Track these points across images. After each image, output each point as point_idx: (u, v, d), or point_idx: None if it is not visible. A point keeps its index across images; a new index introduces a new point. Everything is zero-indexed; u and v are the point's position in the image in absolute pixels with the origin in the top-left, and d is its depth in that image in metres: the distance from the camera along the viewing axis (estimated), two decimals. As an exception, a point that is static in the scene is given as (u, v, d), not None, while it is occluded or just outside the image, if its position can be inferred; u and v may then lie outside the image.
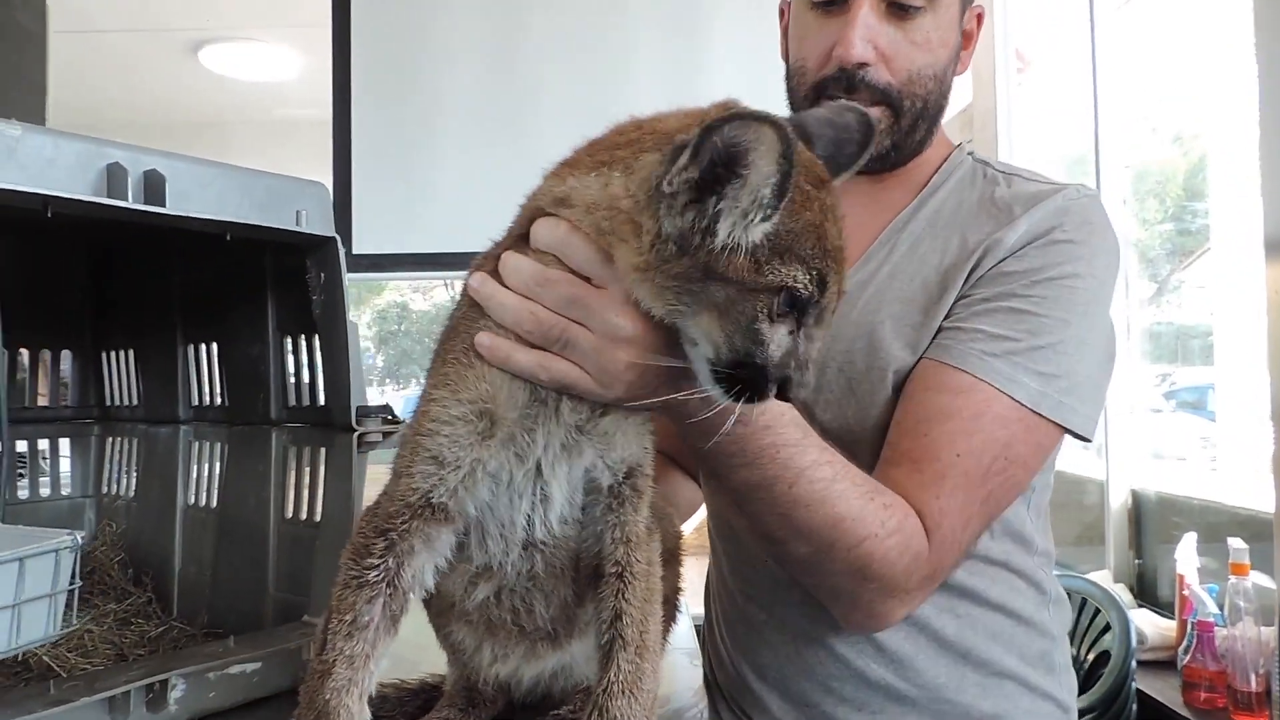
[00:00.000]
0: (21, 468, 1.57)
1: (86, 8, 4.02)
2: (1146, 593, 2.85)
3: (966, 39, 1.20)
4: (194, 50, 4.79)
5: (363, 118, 3.00)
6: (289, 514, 1.30)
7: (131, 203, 0.96)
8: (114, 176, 0.98)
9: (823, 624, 1.12)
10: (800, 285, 0.69)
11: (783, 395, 0.72)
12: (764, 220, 0.67)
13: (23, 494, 1.56)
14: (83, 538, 1.51)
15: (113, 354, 1.61)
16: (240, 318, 1.36)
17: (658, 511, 0.96)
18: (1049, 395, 1.01)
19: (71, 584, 0.75)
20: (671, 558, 0.99)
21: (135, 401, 1.58)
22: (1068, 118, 3.47)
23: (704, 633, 1.37)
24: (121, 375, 1.60)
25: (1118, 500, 2.96)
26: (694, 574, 1.13)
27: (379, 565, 0.76)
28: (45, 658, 1.13)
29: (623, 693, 0.78)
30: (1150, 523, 2.89)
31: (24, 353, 1.57)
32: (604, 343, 0.73)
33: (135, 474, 1.56)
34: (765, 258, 0.68)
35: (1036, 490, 1.17)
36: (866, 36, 1.09)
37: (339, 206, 2.70)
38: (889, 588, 0.97)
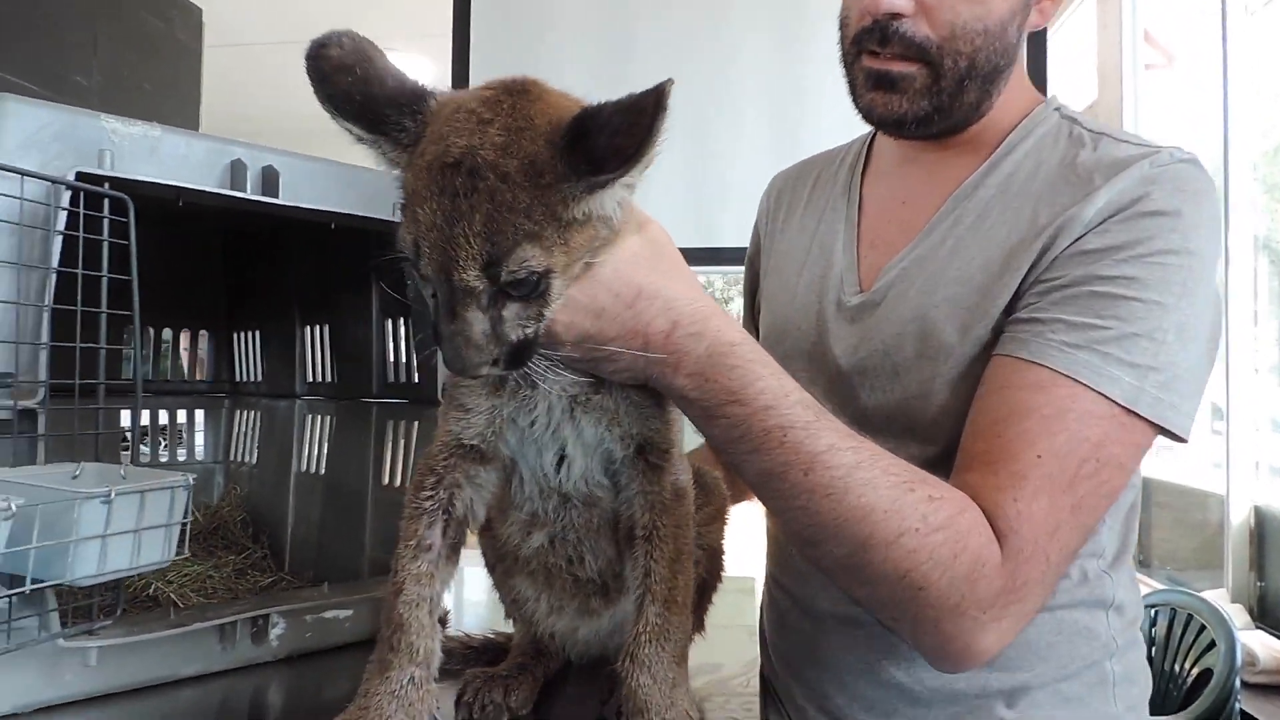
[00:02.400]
0: (163, 435, 1.76)
1: (238, 23, 4.36)
2: (1268, 615, 2.70)
3: None
4: (332, 61, 5.11)
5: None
6: (385, 480, 1.43)
7: (250, 194, 1.09)
8: (236, 171, 1.11)
9: (841, 616, 1.08)
10: (404, 248, 0.72)
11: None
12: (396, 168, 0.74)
13: (163, 458, 1.75)
14: (212, 500, 1.69)
15: (242, 335, 1.79)
16: (348, 302, 1.50)
17: (704, 475, 1.03)
18: (1146, 390, 0.90)
19: (184, 519, 0.87)
20: (718, 515, 1.06)
21: (259, 378, 1.75)
22: (1202, 116, 3.32)
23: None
24: (248, 354, 1.77)
25: (1238, 517, 2.82)
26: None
27: (432, 495, 0.87)
28: (171, 594, 1.29)
29: (650, 641, 0.85)
30: (1275, 541, 2.74)
31: (168, 332, 1.77)
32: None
33: (257, 443, 1.72)
34: (402, 212, 0.73)
35: None
36: None
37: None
38: (950, 602, 0.84)
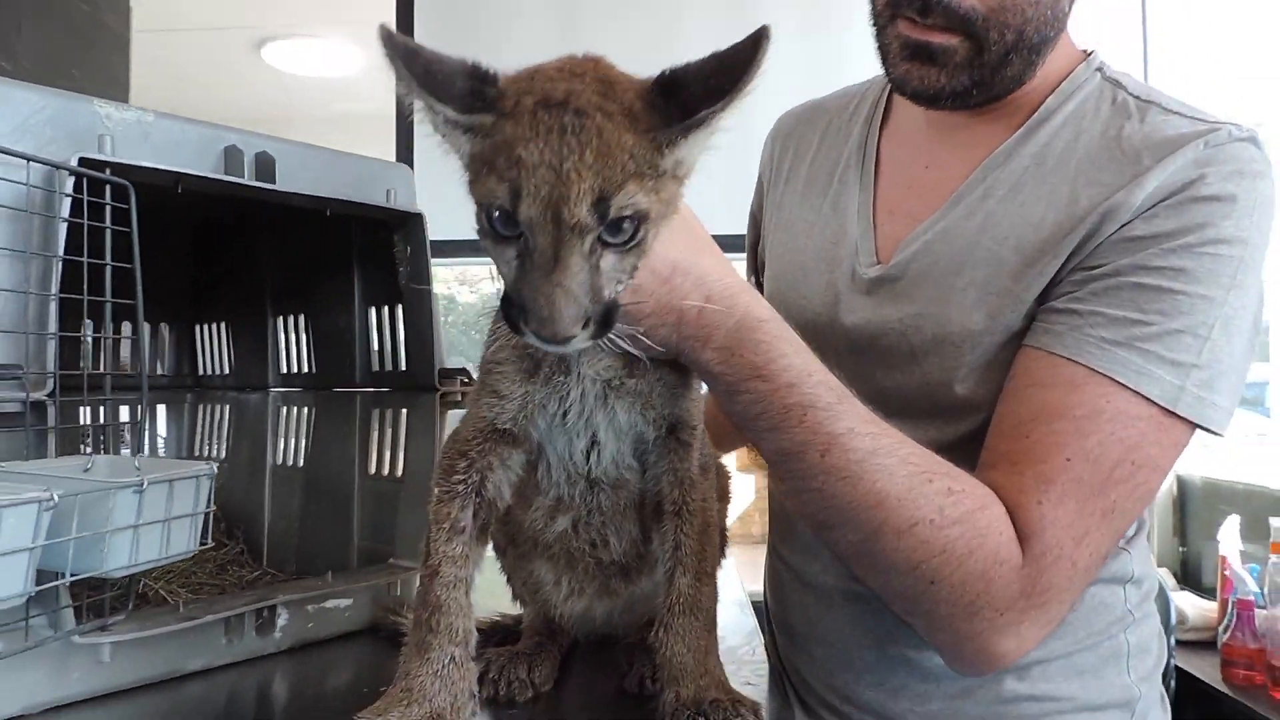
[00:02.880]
0: (124, 431, 1.71)
1: (167, 9, 4.20)
2: (1190, 578, 2.87)
3: None
4: (257, 48, 4.97)
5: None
6: (372, 470, 1.42)
7: (248, 180, 1.08)
8: (231, 157, 1.09)
9: (846, 591, 1.06)
10: (492, 195, 0.67)
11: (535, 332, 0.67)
12: (464, 135, 0.68)
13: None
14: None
15: (207, 327, 1.74)
16: (328, 291, 1.48)
17: (708, 457, 1.06)
18: (1187, 390, 0.85)
19: (208, 508, 0.86)
20: (721, 495, 1.09)
21: (226, 371, 1.71)
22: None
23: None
24: (214, 347, 1.73)
25: (1163, 486, 2.98)
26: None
27: (464, 479, 0.87)
28: (161, 591, 1.26)
29: (684, 611, 0.87)
30: (1195, 508, 2.91)
31: (126, 326, 1.71)
32: None
33: (227, 438, 1.69)
34: (474, 173, 0.70)
35: None
36: None
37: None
38: (965, 599, 0.83)
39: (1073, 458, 0.84)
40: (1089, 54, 1.04)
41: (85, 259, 0.91)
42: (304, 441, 1.54)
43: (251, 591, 1.13)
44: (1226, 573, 2.27)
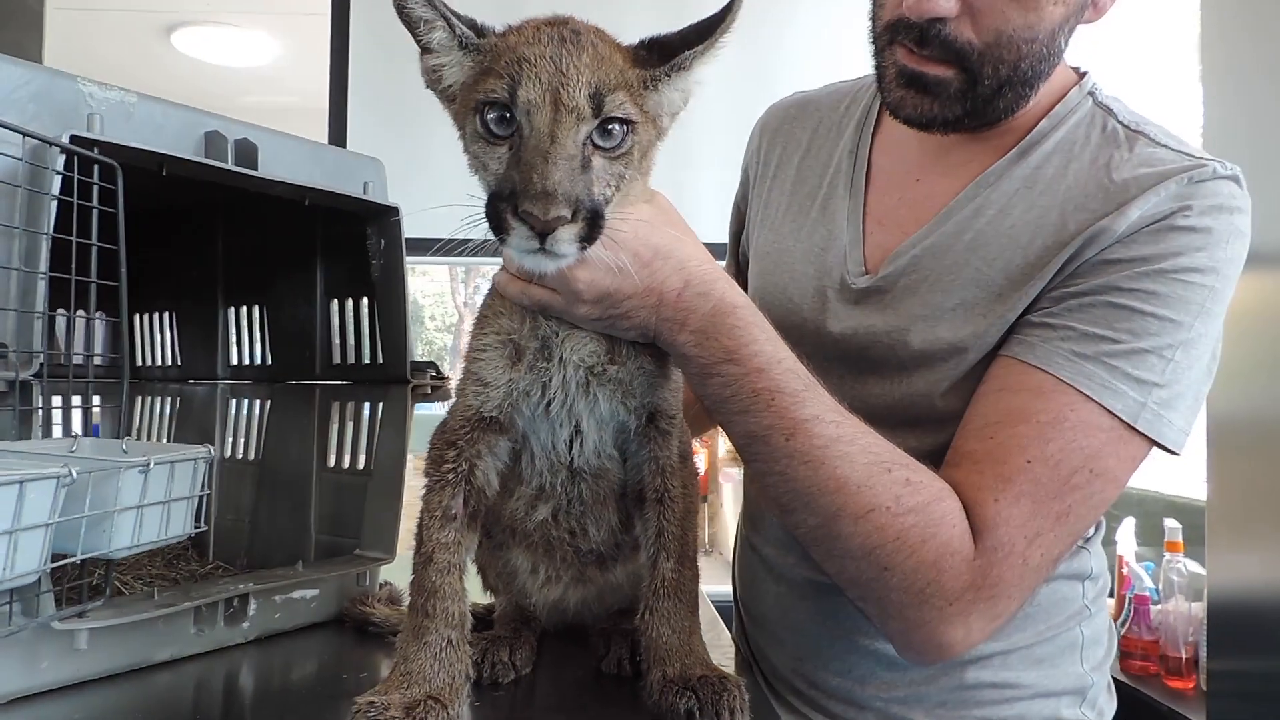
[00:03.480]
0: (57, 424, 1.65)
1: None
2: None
3: None
4: (167, 33, 4.80)
5: (358, 106, 3.09)
6: (331, 463, 1.41)
7: (231, 165, 1.07)
8: (212, 142, 1.09)
9: (815, 583, 1.09)
10: (489, 92, 0.75)
11: (523, 218, 0.72)
12: (468, 55, 0.80)
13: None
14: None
15: (148, 317, 1.70)
16: (287, 282, 1.47)
17: (687, 445, 1.10)
18: (1148, 407, 0.88)
19: (205, 490, 0.86)
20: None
21: (170, 362, 1.67)
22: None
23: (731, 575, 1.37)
24: (156, 337, 1.69)
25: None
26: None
27: (454, 467, 0.90)
28: (116, 582, 1.23)
29: (668, 595, 0.91)
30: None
31: (61, 314, 1.65)
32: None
33: (170, 430, 1.64)
34: (471, 83, 0.80)
35: None
36: None
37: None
38: (915, 586, 0.85)
39: (1033, 460, 0.87)
40: (1083, 75, 1.06)
41: (74, 238, 0.89)
42: (257, 435, 1.52)
43: (220, 581, 1.11)
44: (1124, 571, 2.43)
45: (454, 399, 0.95)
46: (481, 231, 0.76)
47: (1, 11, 2.87)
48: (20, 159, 0.86)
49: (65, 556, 0.76)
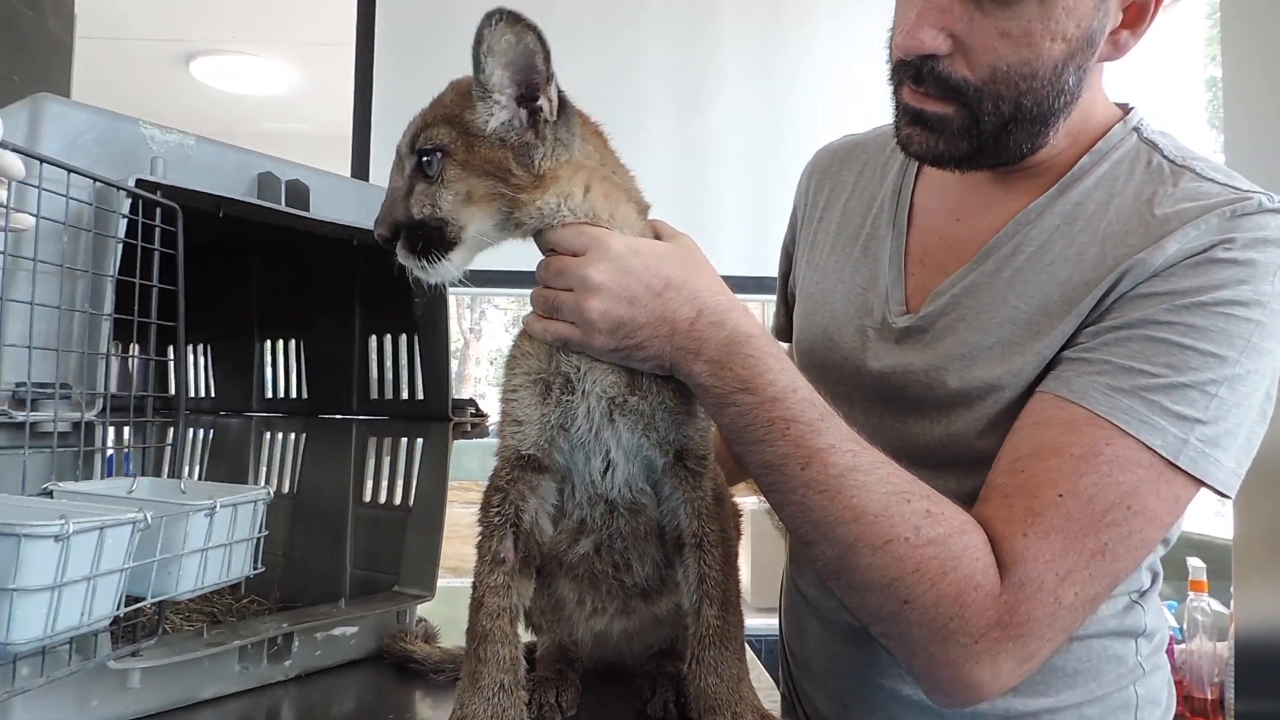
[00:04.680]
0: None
1: (111, 16, 4.08)
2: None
3: (1136, 14, 0.95)
4: (185, 62, 4.86)
5: (380, 138, 3.12)
6: (368, 498, 1.42)
7: (284, 206, 1.09)
8: (264, 184, 1.10)
9: (857, 627, 1.05)
10: None
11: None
12: None
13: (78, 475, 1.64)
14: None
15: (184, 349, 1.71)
16: (325, 317, 1.48)
17: (722, 488, 1.10)
18: (1190, 444, 0.84)
19: (262, 532, 0.87)
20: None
21: (204, 394, 1.68)
22: None
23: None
24: (191, 370, 1.70)
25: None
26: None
27: (500, 510, 0.92)
28: (152, 616, 1.23)
29: (714, 643, 0.91)
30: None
31: (115, 355, 1.67)
32: (580, 295, 0.86)
33: (203, 462, 1.65)
34: None
35: None
36: (937, 23, 0.92)
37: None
38: (937, 622, 0.82)
39: (1065, 494, 0.84)
40: (1128, 111, 1.03)
41: (138, 280, 0.91)
42: (292, 468, 1.53)
43: (265, 619, 1.12)
44: (1146, 608, 2.41)
45: (498, 443, 0.96)
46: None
47: (34, 44, 2.91)
48: (88, 203, 0.88)
49: (132, 599, 0.76)
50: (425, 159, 0.87)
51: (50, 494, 0.80)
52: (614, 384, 0.91)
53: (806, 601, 1.18)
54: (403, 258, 0.89)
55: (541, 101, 0.86)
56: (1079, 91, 0.97)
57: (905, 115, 1.00)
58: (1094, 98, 1.02)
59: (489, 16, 0.82)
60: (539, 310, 0.91)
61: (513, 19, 0.83)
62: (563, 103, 0.89)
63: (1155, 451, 0.84)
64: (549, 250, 0.91)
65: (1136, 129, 1.02)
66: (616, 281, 0.85)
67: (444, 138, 0.87)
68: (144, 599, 0.77)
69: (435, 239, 0.87)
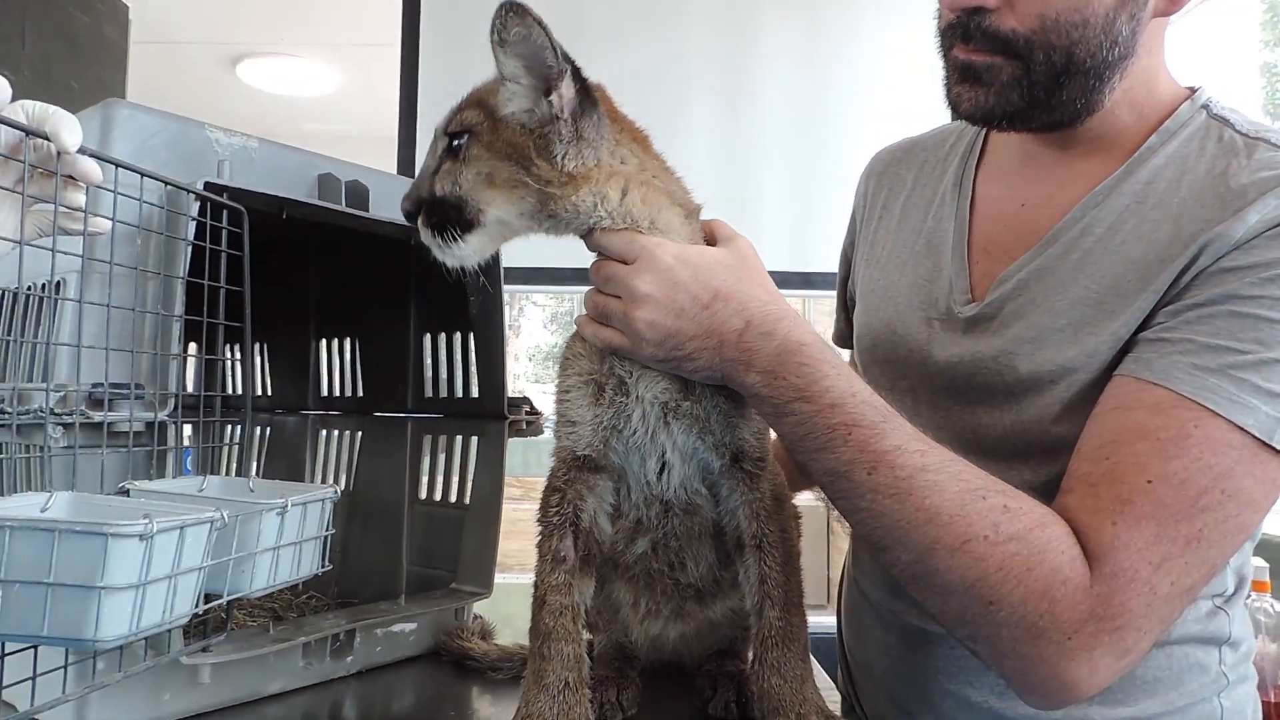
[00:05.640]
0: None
1: (166, 21, 4.17)
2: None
3: None
4: (233, 64, 4.94)
5: (425, 137, 3.15)
6: (423, 495, 1.43)
7: (344, 207, 1.10)
8: (325, 184, 1.12)
9: (925, 631, 1.05)
10: None
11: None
12: None
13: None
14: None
15: (240, 348, 1.74)
16: (380, 315, 1.49)
17: (781, 488, 1.09)
18: None
19: (330, 530, 0.88)
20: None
21: (260, 392, 1.71)
22: None
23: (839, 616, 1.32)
24: (250, 368, 1.72)
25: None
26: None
27: (559, 510, 0.92)
28: (221, 613, 1.26)
29: (777, 644, 0.90)
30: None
31: (191, 356, 1.71)
32: (628, 305, 0.85)
33: (261, 459, 1.68)
34: None
35: None
36: None
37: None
38: (1027, 620, 0.79)
39: (1154, 479, 0.80)
40: (1195, 90, 1.01)
41: (206, 281, 0.92)
42: (348, 466, 1.54)
43: (328, 616, 1.13)
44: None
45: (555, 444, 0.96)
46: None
47: (91, 50, 2.98)
48: (160, 205, 0.89)
49: (208, 596, 0.77)
50: (455, 141, 0.88)
51: (127, 493, 0.81)
52: (666, 389, 0.90)
53: (870, 604, 1.16)
54: (423, 236, 0.91)
55: (553, 96, 0.86)
56: (1133, 45, 0.94)
57: (954, 73, 0.99)
58: (1155, 69, 1.00)
59: (500, 7, 0.83)
60: (591, 313, 0.92)
61: (520, 12, 0.82)
62: (592, 102, 0.88)
63: (1248, 432, 0.81)
64: (600, 254, 0.91)
65: (1205, 106, 0.99)
66: (664, 293, 0.85)
67: (472, 119, 0.89)
68: (219, 596, 0.78)
69: (454, 217, 0.88)
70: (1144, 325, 0.90)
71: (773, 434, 0.94)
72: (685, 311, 0.84)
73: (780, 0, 3.14)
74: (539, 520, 0.94)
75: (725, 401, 0.91)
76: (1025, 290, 1.00)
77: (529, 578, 0.97)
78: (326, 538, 0.89)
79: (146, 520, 0.61)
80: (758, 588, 0.93)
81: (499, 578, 1.35)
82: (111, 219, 0.80)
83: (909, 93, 2.84)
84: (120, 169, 0.81)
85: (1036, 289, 0.99)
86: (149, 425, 0.89)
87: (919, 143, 1.27)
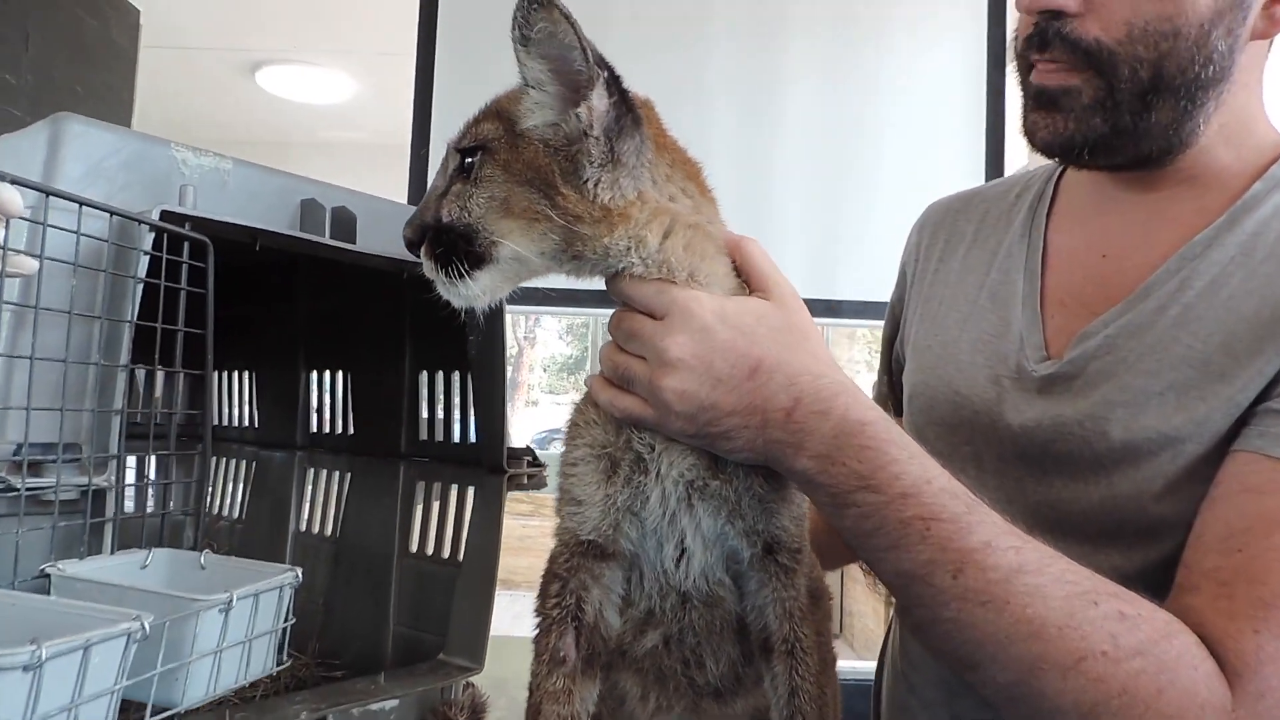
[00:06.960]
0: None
1: (177, 25, 4.11)
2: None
3: None
4: (252, 71, 4.89)
5: (440, 148, 3.05)
6: (414, 548, 1.31)
7: (328, 239, 0.98)
8: (309, 211, 1.00)
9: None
10: None
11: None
12: None
13: (129, 506, 1.57)
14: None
15: (225, 375, 1.62)
16: (374, 351, 1.38)
17: (816, 582, 0.96)
18: None
19: (289, 620, 0.76)
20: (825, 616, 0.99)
21: (246, 423, 1.59)
22: None
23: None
24: (235, 396, 1.61)
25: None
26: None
27: (559, 602, 0.79)
28: None
29: None
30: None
31: (140, 371, 1.59)
32: (654, 370, 0.73)
33: (244, 496, 1.56)
34: None
35: None
36: None
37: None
38: None
39: None
40: None
41: (160, 324, 0.80)
42: (336, 509, 1.42)
43: (301, 697, 1.01)
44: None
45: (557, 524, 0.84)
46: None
47: (97, 54, 2.89)
48: (105, 240, 0.77)
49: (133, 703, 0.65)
50: (468, 159, 0.75)
51: (49, 578, 0.69)
52: (694, 465, 0.77)
53: (923, 704, 1.02)
54: (426, 269, 0.77)
55: (583, 108, 0.71)
56: (1229, 67, 0.84)
57: (1030, 100, 0.90)
58: (1254, 106, 0.90)
59: (522, 1, 0.69)
60: (608, 374, 0.78)
61: (545, 3, 0.68)
62: (634, 120, 0.74)
63: None
64: (623, 301, 0.78)
65: None
66: (699, 357, 0.72)
67: (488, 132, 0.76)
68: (162, 715, 0.65)
69: (462, 249, 0.74)
70: (1265, 393, 0.79)
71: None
72: (724, 381, 0.71)
73: (809, 21, 3.04)
74: (536, 612, 0.81)
75: (762, 484, 0.78)
76: (1115, 348, 0.88)
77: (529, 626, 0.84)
78: (285, 629, 0.76)
79: (34, 647, 0.49)
80: (787, 702, 0.80)
81: (498, 619, 1.21)
82: (40, 257, 0.68)
83: (937, 119, 2.75)
84: (53, 198, 0.69)
85: (1129, 347, 0.87)
86: (84, 492, 0.76)
87: (980, 193, 1.15)
